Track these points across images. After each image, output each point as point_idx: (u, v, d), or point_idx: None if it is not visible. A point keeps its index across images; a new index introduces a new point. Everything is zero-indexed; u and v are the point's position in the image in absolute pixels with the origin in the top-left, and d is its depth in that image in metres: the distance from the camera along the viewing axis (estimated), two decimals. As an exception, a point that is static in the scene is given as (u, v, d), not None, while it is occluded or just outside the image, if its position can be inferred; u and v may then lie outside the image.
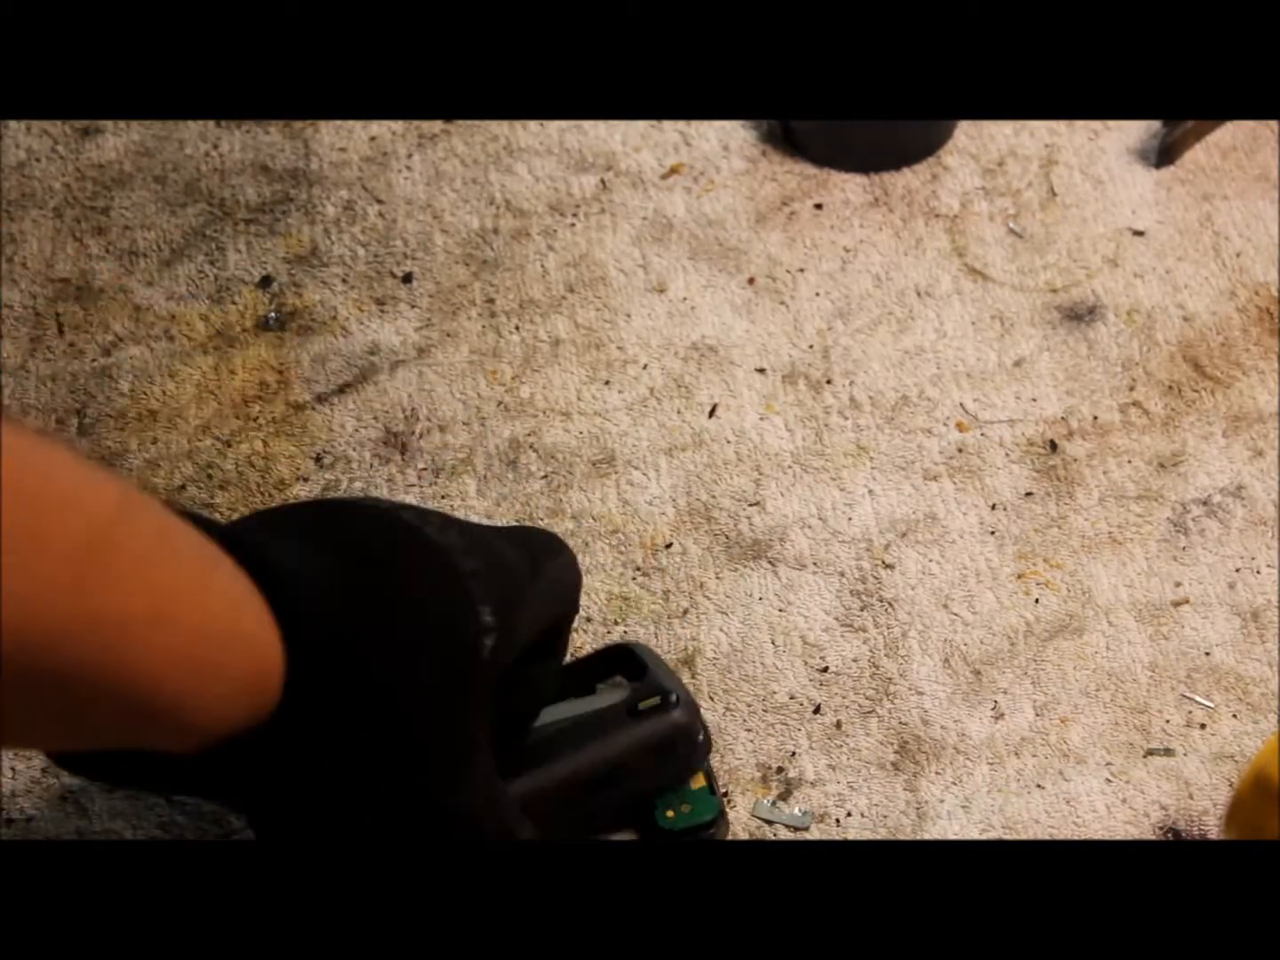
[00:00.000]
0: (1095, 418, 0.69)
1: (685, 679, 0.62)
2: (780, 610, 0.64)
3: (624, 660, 0.59)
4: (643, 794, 0.57)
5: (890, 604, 0.64)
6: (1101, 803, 0.59)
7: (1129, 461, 0.67)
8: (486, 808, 0.51)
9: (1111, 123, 0.77)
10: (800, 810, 0.59)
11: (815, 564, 0.65)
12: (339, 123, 0.77)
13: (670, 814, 0.57)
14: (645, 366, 0.70)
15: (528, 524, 0.65)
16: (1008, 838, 0.59)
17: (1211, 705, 0.62)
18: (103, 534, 0.40)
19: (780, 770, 0.60)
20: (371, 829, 0.49)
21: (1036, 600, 0.64)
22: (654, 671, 0.58)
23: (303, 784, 0.47)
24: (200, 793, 0.50)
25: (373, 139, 0.77)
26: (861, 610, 0.64)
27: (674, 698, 0.56)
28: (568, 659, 0.58)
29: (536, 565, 0.53)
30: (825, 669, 0.62)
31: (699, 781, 0.58)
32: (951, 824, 0.59)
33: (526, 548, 0.53)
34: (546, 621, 0.53)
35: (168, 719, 0.42)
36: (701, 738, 0.57)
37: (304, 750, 0.46)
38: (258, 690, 0.44)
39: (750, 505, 0.66)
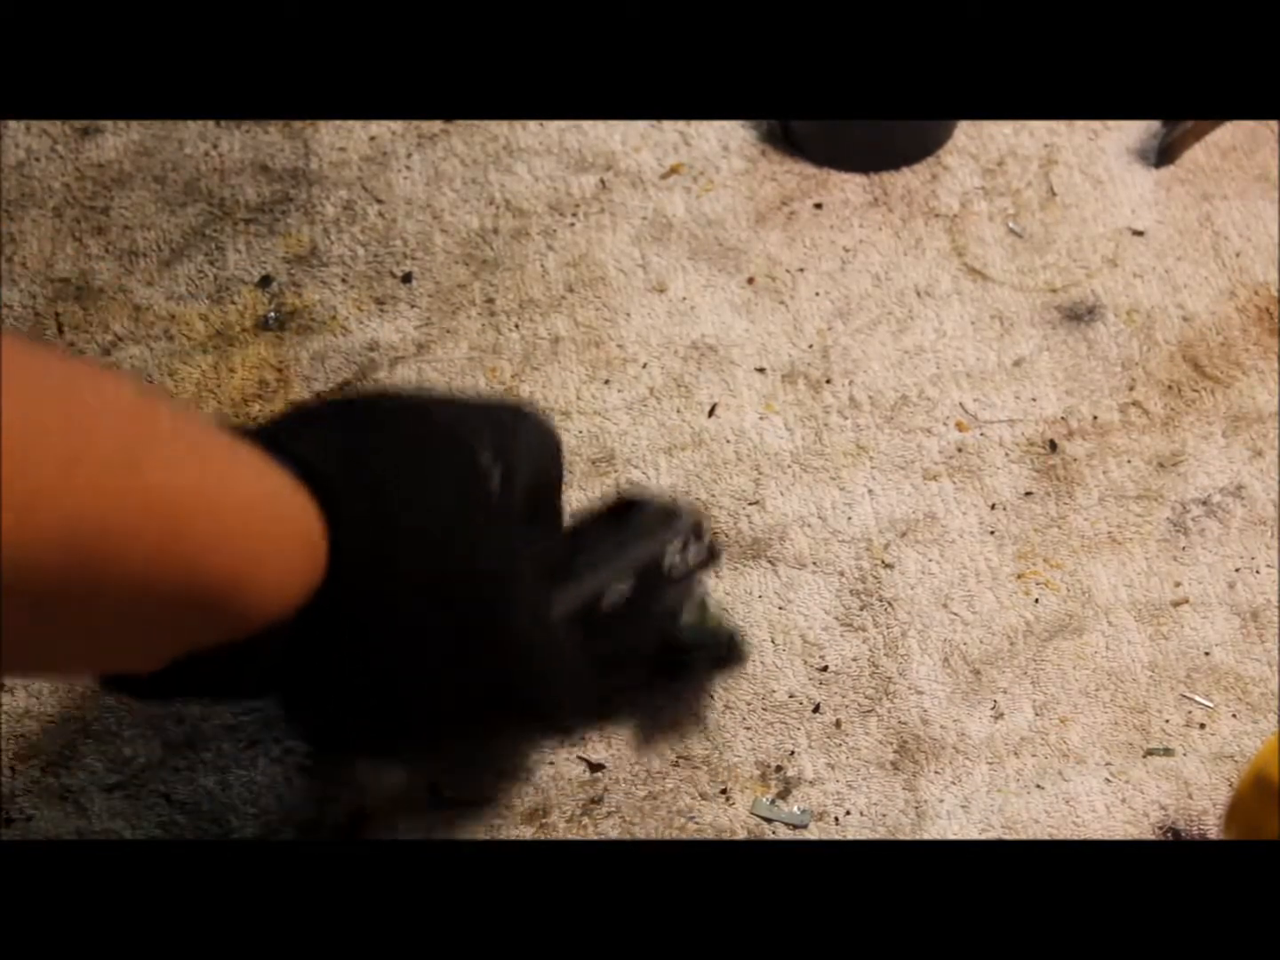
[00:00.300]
0: (1095, 417, 0.69)
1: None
2: (780, 609, 0.64)
3: (629, 505, 0.61)
4: (665, 611, 0.60)
5: (890, 603, 0.64)
6: (1101, 802, 0.59)
7: (1129, 461, 0.67)
8: (535, 626, 0.53)
9: (1111, 123, 0.77)
10: (799, 809, 0.59)
11: (815, 563, 0.65)
12: (339, 123, 0.77)
13: (690, 620, 0.60)
14: (645, 365, 0.70)
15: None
16: (1007, 838, 0.59)
17: (1211, 705, 0.62)
18: (143, 411, 0.40)
19: (779, 769, 0.60)
20: (433, 669, 0.50)
21: (1036, 600, 0.64)
22: (657, 499, 0.60)
23: (362, 643, 0.48)
24: (251, 691, 0.50)
25: (372, 139, 0.77)
26: (861, 610, 0.64)
27: (679, 506, 0.59)
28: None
29: (513, 412, 0.56)
30: (825, 668, 0.62)
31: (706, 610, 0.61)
32: (951, 824, 0.59)
33: (507, 408, 0.56)
34: (538, 464, 0.55)
35: (226, 599, 0.42)
36: (707, 540, 0.59)
37: (361, 606, 0.47)
38: (309, 558, 0.45)
39: (750, 504, 0.66)
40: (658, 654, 0.61)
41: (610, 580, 0.58)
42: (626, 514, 0.61)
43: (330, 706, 0.52)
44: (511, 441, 0.54)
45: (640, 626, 0.59)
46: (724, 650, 0.61)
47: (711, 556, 0.60)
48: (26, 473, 0.36)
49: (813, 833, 0.59)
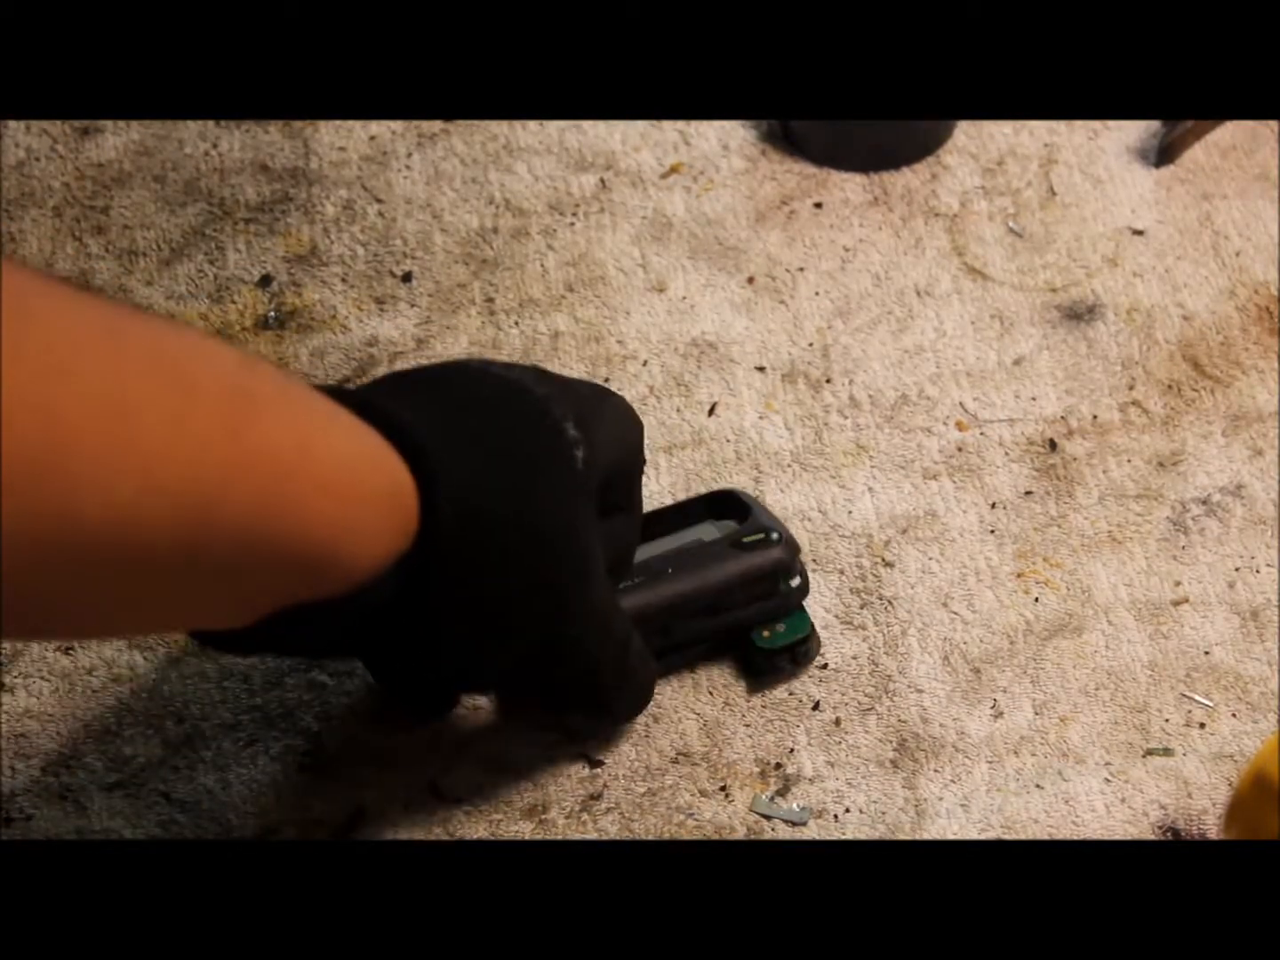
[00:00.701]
0: (1095, 417, 0.69)
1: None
2: (780, 609, 0.64)
3: (728, 503, 0.63)
4: (740, 625, 0.60)
5: (890, 602, 0.64)
6: (1100, 802, 0.59)
7: (1128, 461, 0.67)
8: (612, 605, 0.55)
9: (1111, 122, 0.77)
10: (798, 806, 0.59)
11: (815, 561, 0.65)
12: (339, 123, 0.77)
13: (766, 634, 0.61)
14: (645, 363, 0.70)
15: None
16: (1006, 837, 0.59)
17: (1211, 705, 0.62)
18: (245, 374, 0.41)
19: (779, 766, 0.60)
20: (516, 632, 0.52)
21: (1036, 599, 0.64)
22: (757, 513, 0.62)
23: (452, 606, 0.49)
24: (340, 651, 0.52)
25: (372, 138, 0.77)
26: (861, 608, 0.64)
27: (776, 535, 0.60)
28: (674, 500, 0.64)
29: (597, 393, 0.58)
30: (824, 666, 0.62)
31: None
32: (950, 822, 0.59)
33: (592, 387, 0.58)
34: (620, 449, 0.56)
35: (318, 558, 0.43)
36: (800, 580, 0.61)
37: (451, 571, 0.48)
38: (400, 518, 0.46)
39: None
40: (739, 659, 0.62)
41: (694, 592, 0.59)
42: (722, 506, 0.63)
43: (426, 673, 0.54)
44: (594, 420, 0.54)
45: (711, 635, 0.61)
46: (801, 648, 0.61)
47: (805, 589, 0.62)
48: (142, 435, 0.37)
49: (812, 830, 0.59)
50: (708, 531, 0.62)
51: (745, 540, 0.60)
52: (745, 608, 0.60)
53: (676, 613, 0.59)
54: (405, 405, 0.49)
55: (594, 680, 0.56)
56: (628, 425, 0.58)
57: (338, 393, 0.47)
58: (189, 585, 0.41)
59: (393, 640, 0.51)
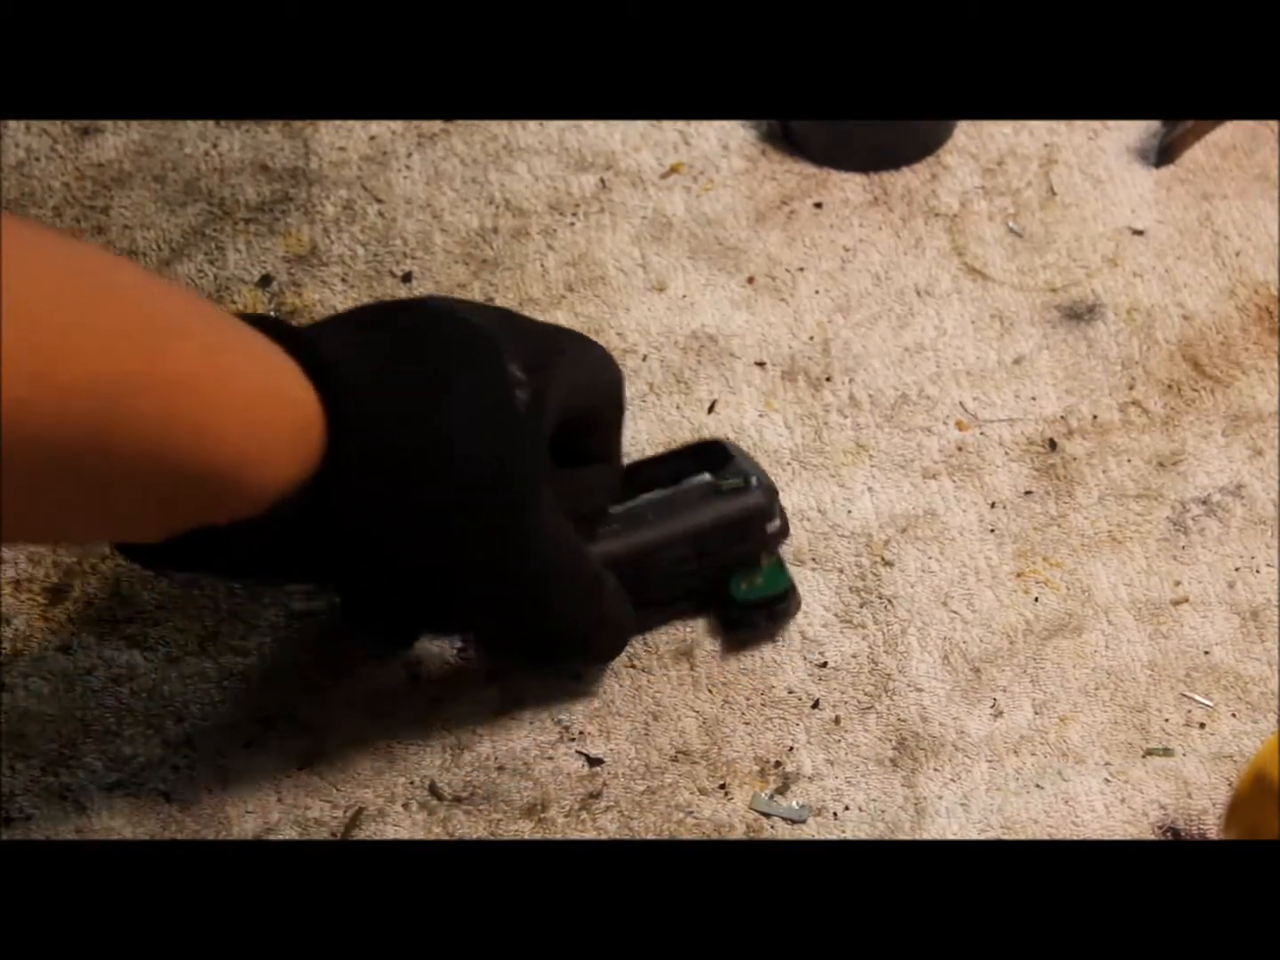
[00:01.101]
0: (1095, 416, 0.69)
1: (684, 670, 0.62)
2: (780, 609, 0.64)
3: (712, 452, 0.63)
4: (718, 568, 0.61)
5: (890, 601, 0.64)
6: (1100, 802, 0.60)
7: (1128, 460, 0.67)
8: (571, 544, 0.56)
9: (1111, 122, 0.77)
10: (798, 804, 0.59)
11: (814, 559, 0.65)
12: (339, 123, 0.77)
13: (744, 586, 0.62)
14: (645, 358, 0.70)
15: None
16: (1006, 837, 0.59)
17: (1211, 704, 0.62)
18: (161, 299, 0.46)
19: (778, 764, 0.60)
20: (432, 551, 0.53)
21: (1036, 599, 0.64)
22: (738, 460, 0.62)
23: (358, 534, 0.51)
24: (260, 573, 0.53)
25: (372, 138, 0.77)
26: (861, 607, 0.64)
27: (754, 480, 0.61)
28: (656, 452, 0.65)
29: (563, 344, 0.58)
30: (824, 664, 0.62)
31: (769, 557, 0.62)
32: (950, 821, 0.59)
33: (560, 332, 0.59)
34: (588, 396, 0.57)
35: (227, 476, 0.47)
36: (779, 522, 0.62)
37: (356, 493, 0.50)
38: (306, 448, 0.49)
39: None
40: (716, 613, 0.63)
41: (671, 537, 0.60)
42: (708, 456, 0.63)
43: (350, 601, 0.56)
44: (553, 362, 0.55)
45: (693, 581, 0.62)
46: (779, 604, 0.62)
47: (784, 532, 0.62)
48: (45, 338, 0.41)
49: (811, 828, 0.59)
50: (689, 481, 0.63)
51: (724, 487, 0.61)
52: (724, 551, 0.61)
53: (654, 558, 0.60)
54: (336, 340, 0.51)
55: (556, 619, 0.57)
56: (599, 372, 0.59)
57: (267, 323, 0.50)
58: (99, 490, 0.44)
59: (312, 567, 0.53)
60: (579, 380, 0.57)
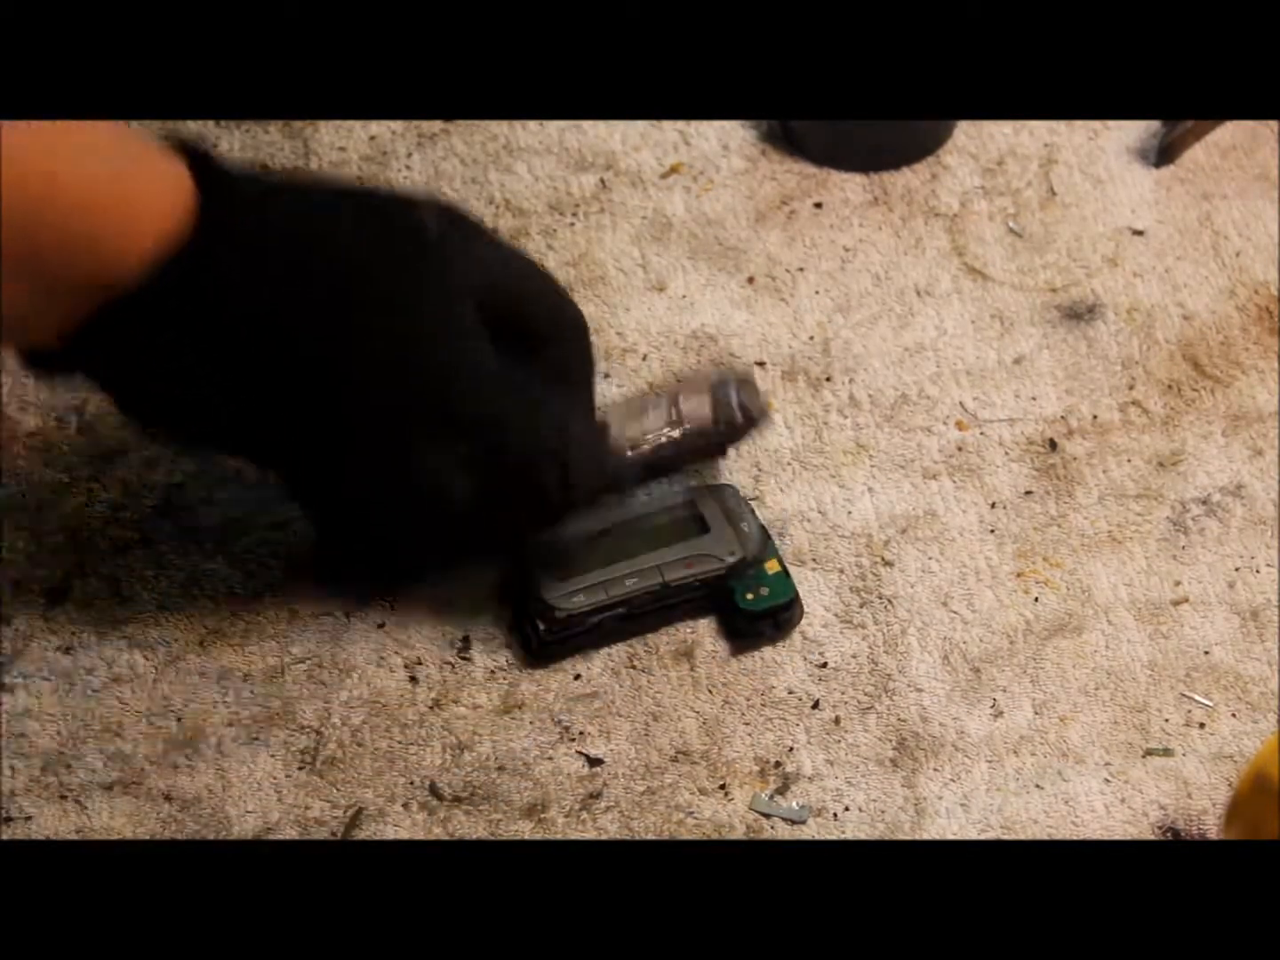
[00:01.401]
0: (1095, 416, 0.69)
1: (684, 671, 0.62)
2: (780, 609, 0.64)
3: (700, 517, 0.64)
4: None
5: (890, 601, 0.64)
6: (1100, 802, 0.59)
7: (1128, 460, 0.67)
8: (498, 379, 0.55)
9: (1111, 122, 0.77)
10: (798, 804, 0.59)
11: (815, 559, 0.65)
12: (339, 123, 0.77)
13: (750, 596, 0.62)
14: (645, 357, 0.70)
15: None
16: (1006, 837, 0.59)
17: (1211, 704, 0.62)
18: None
19: (778, 764, 0.60)
20: (320, 329, 0.54)
21: (1036, 599, 0.64)
22: (716, 531, 0.63)
23: (242, 307, 0.53)
24: (153, 381, 0.56)
25: (372, 138, 0.77)
26: (861, 607, 0.64)
27: (731, 556, 0.62)
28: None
29: (515, 253, 0.59)
30: (824, 664, 0.62)
31: (774, 568, 0.63)
32: (950, 821, 0.59)
33: (517, 253, 0.60)
34: (511, 284, 0.58)
35: (101, 239, 0.52)
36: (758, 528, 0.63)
37: (231, 265, 0.53)
38: (172, 220, 0.53)
39: (750, 501, 0.66)
40: (722, 622, 0.63)
41: (657, 426, 0.63)
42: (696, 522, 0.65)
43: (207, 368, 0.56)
44: (478, 234, 0.57)
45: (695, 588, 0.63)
46: (785, 613, 0.62)
47: (762, 413, 0.64)
48: None
49: (811, 828, 0.59)
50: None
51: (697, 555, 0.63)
52: (692, 601, 0.63)
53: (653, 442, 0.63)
54: (253, 180, 0.56)
55: (511, 435, 0.56)
56: (542, 284, 0.59)
57: (194, 152, 0.55)
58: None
59: (207, 370, 0.54)
60: (516, 277, 0.58)
